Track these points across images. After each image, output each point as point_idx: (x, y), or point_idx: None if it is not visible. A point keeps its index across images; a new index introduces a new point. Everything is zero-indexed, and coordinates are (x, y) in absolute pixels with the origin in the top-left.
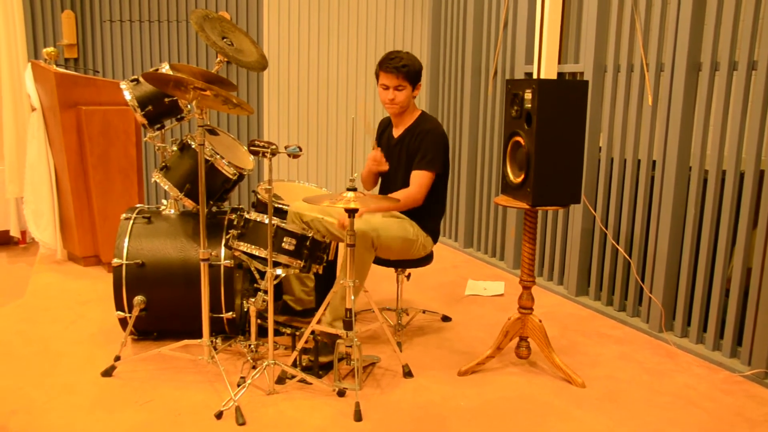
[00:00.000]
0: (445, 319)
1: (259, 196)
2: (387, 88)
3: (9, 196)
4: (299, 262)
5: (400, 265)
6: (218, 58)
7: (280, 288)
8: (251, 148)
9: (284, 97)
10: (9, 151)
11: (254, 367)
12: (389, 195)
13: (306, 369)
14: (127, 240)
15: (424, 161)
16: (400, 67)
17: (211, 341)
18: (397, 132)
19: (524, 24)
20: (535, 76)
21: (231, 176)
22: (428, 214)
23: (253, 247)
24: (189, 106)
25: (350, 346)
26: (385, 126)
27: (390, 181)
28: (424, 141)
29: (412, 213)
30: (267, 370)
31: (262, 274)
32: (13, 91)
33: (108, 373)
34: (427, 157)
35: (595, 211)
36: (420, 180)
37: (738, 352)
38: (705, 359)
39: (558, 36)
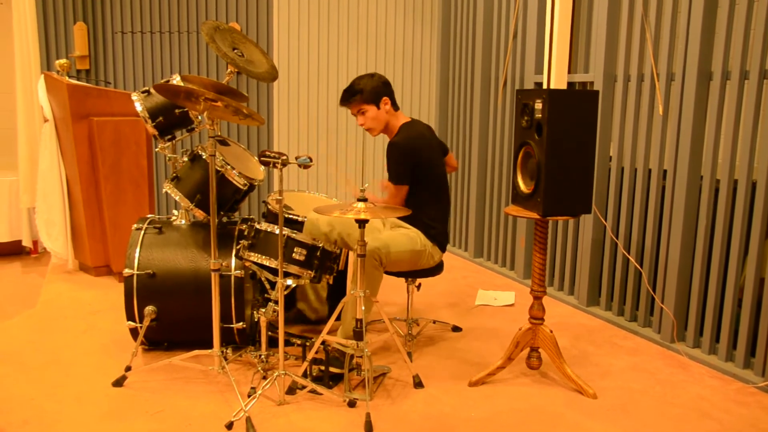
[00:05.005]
0: (456, 329)
1: (269, 207)
2: (355, 116)
3: (22, 206)
4: (310, 272)
5: (410, 275)
6: (229, 69)
7: (293, 297)
8: (262, 158)
9: (294, 108)
10: (22, 162)
11: (265, 378)
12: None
13: (316, 379)
14: (138, 250)
15: (390, 175)
16: (351, 96)
17: (222, 351)
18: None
19: (534, 33)
20: (545, 86)
21: (242, 187)
22: (429, 223)
23: (263, 257)
24: (200, 117)
25: (361, 357)
26: None
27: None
28: (387, 156)
29: (417, 225)
30: (277, 380)
31: (273, 285)
32: (26, 103)
33: (119, 383)
34: (390, 172)
35: (605, 220)
36: (391, 194)
37: (751, 363)
38: (718, 370)
39: (568, 45)
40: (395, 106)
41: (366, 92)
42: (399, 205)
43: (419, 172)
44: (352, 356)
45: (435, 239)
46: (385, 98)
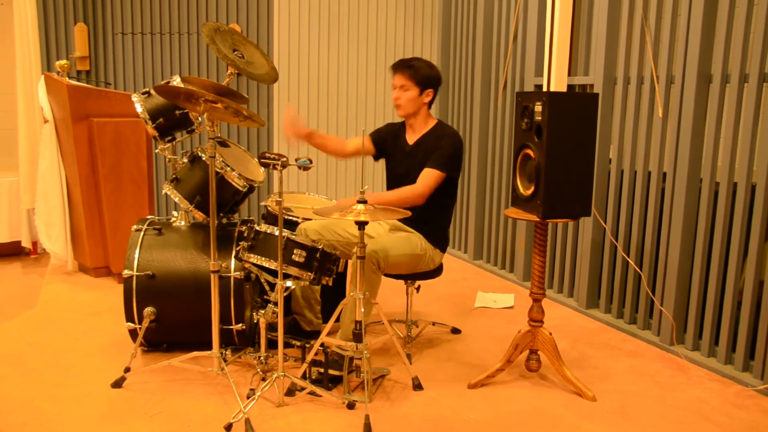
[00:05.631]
0: (455, 331)
1: (269, 208)
2: (395, 87)
3: (23, 207)
4: (309, 274)
5: (410, 277)
6: (229, 71)
7: (288, 307)
8: (262, 160)
9: (294, 110)
10: (23, 163)
11: (264, 379)
12: (394, 190)
13: (316, 381)
14: (137, 251)
15: (436, 161)
16: (404, 67)
17: (221, 353)
18: (412, 138)
19: (534, 36)
20: (544, 89)
21: (241, 188)
22: (435, 227)
23: (263, 258)
24: (200, 118)
25: (360, 359)
26: (394, 130)
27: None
28: (441, 143)
29: (420, 227)
30: (276, 382)
31: (272, 286)
32: (27, 103)
33: (118, 384)
34: (440, 158)
35: (605, 223)
36: (427, 177)
37: (750, 365)
38: (717, 373)
39: (568, 48)
40: (431, 104)
41: (419, 74)
42: (430, 190)
43: (458, 168)
44: (351, 358)
45: (438, 243)
46: (430, 90)
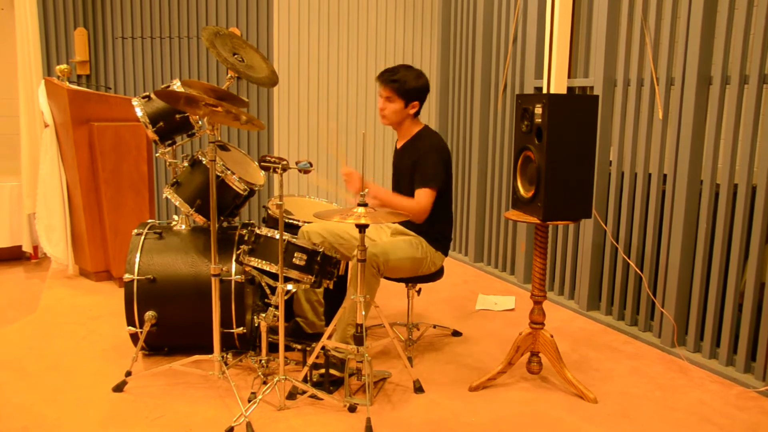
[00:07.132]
0: (456, 333)
1: (269, 212)
2: (381, 97)
3: (26, 211)
4: (310, 277)
5: (411, 280)
6: (229, 74)
7: (291, 310)
8: (262, 163)
9: (295, 113)
10: (25, 167)
11: (265, 383)
12: (400, 196)
13: (317, 384)
14: (138, 255)
15: (422, 180)
16: (389, 80)
17: (222, 356)
18: (400, 142)
19: (534, 38)
20: (544, 91)
21: (242, 192)
22: (436, 232)
23: (264, 262)
24: (200, 122)
25: (361, 362)
26: None
27: (395, 189)
28: (422, 158)
29: (421, 230)
30: (278, 385)
31: (273, 290)
32: (29, 108)
33: (119, 388)
34: (425, 175)
35: (606, 225)
36: (421, 198)
37: (752, 367)
38: (718, 374)
39: (567, 50)
40: (419, 113)
41: (404, 87)
42: (426, 210)
43: (446, 177)
44: (346, 360)
45: (440, 246)
46: (416, 102)
